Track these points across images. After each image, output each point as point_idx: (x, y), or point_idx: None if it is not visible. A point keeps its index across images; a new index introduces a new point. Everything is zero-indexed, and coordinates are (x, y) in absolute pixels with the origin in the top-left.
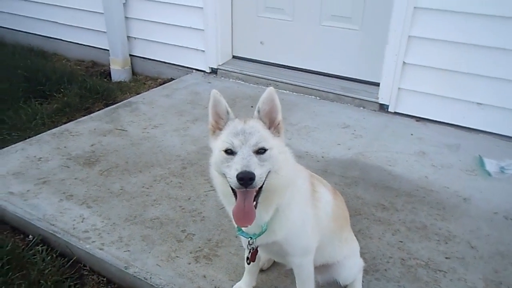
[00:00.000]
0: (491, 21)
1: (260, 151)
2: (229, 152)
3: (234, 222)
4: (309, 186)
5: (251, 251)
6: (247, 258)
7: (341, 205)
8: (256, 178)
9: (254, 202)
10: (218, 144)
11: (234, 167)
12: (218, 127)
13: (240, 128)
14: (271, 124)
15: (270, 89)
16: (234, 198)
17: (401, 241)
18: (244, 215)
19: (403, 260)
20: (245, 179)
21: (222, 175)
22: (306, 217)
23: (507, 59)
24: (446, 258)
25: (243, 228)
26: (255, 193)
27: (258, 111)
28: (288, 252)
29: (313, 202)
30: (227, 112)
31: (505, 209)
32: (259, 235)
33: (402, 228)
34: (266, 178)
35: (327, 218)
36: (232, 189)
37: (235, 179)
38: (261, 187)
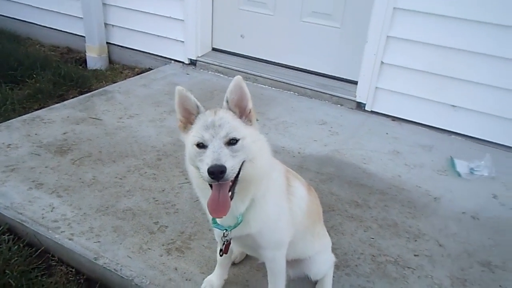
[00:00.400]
0: (467, 25)
1: (232, 142)
2: (201, 145)
3: (208, 215)
4: (284, 180)
5: (225, 243)
6: (220, 250)
7: (314, 201)
8: (227, 171)
9: (230, 193)
10: (190, 139)
11: (206, 161)
12: (189, 122)
13: (210, 121)
14: (242, 113)
15: (237, 77)
16: (209, 191)
17: (373, 238)
18: (219, 206)
19: (373, 257)
20: (216, 172)
21: (197, 169)
22: (281, 210)
23: (482, 63)
24: (415, 255)
25: (218, 221)
26: (230, 184)
27: (227, 101)
28: (261, 245)
29: (288, 196)
30: (197, 107)
31: (473, 209)
32: (234, 227)
33: (373, 225)
34: (241, 168)
35: (301, 213)
36: None
37: (207, 173)
38: (237, 177)
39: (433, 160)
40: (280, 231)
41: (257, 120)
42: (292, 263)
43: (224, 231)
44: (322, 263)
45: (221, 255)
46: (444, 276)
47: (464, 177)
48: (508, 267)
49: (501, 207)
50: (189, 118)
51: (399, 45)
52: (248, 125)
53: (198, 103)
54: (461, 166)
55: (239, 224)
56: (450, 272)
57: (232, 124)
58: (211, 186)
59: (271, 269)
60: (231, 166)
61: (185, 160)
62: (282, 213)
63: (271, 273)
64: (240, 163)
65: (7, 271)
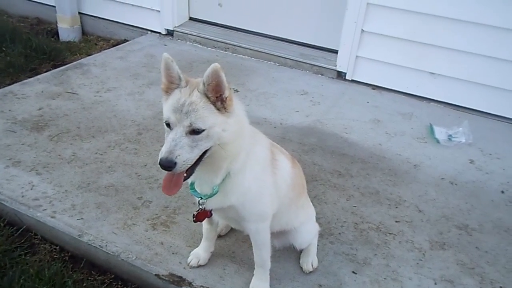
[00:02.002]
0: None
1: (196, 131)
2: (168, 125)
3: (189, 182)
4: (269, 154)
5: (199, 210)
6: (193, 215)
7: (299, 173)
8: (177, 166)
9: (186, 175)
10: (163, 111)
11: (162, 148)
12: (170, 89)
13: (180, 103)
14: (218, 99)
15: (215, 65)
16: None
17: (355, 206)
18: (170, 186)
19: (356, 224)
20: (164, 166)
21: None
22: (263, 184)
23: (460, 29)
24: (396, 221)
25: (196, 188)
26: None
27: (204, 84)
28: (244, 217)
29: (272, 170)
30: (179, 79)
31: (451, 175)
32: (210, 196)
33: (356, 194)
34: (207, 151)
35: (286, 187)
36: None
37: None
38: (200, 160)
39: (413, 127)
40: (263, 204)
41: (237, 91)
42: (278, 234)
43: (199, 199)
44: (307, 233)
45: (194, 221)
46: (424, 240)
47: (443, 144)
48: (484, 229)
49: (478, 171)
50: (170, 86)
51: (379, 12)
52: (222, 112)
53: (181, 76)
54: (440, 133)
55: (214, 194)
56: (430, 236)
57: (200, 113)
58: None
59: (255, 242)
60: (183, 161)
61: None
62: (264, 186)
63: (256, 245)
64: (201, 152)
65: None
